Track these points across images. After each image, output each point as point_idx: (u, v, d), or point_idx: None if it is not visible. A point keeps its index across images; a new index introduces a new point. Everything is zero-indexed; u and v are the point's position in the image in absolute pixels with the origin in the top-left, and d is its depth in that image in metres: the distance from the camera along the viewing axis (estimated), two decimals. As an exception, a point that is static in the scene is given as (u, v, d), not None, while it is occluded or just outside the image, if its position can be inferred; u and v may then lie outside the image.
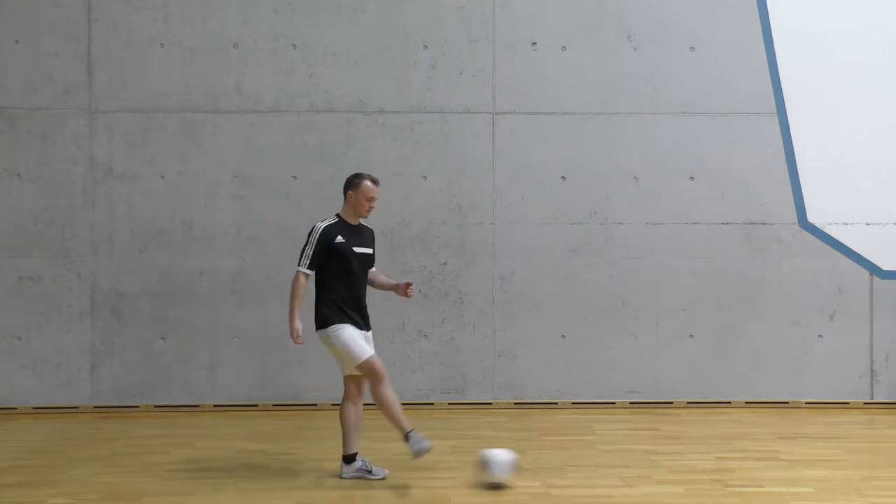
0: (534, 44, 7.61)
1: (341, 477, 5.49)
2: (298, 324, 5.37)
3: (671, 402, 7.59)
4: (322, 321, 5.43)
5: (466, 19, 7.57)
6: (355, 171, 5.65)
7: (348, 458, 5.52)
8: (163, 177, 7.48)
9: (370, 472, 5.50)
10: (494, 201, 7.59)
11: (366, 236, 5.66)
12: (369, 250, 5.64)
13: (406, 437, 5.32)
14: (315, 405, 7.51)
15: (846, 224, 7.63)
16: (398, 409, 5.38)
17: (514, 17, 7.58)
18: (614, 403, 7.58)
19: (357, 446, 5.54)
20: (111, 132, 7.46)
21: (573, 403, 7.58)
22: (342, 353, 5.39)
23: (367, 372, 5.41)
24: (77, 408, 7.41)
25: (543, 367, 7.59)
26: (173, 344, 7.47)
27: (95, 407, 7.43)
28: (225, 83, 7.50)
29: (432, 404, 7.53)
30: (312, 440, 6.52)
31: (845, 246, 7.62)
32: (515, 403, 7.54)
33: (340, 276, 5.43)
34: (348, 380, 5.56)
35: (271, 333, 7.50)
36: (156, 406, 7.46)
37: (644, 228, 7.62)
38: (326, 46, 7.54)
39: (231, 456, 6.06)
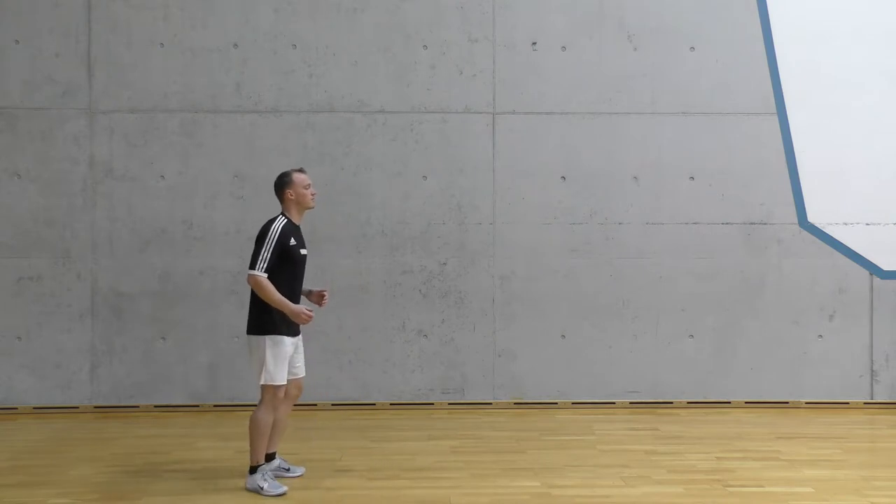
0: (534, 44, 7.61)
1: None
2: (295, 305, 5.20)
3: (671, 402, 7.60)
4: (259, 327, 5.28)
5: (466, 19, 7.57)
6: (292, 171, 5.43)
7: (268, 457, 5.47)
8: (163, 177, 7.48)
9: (288, 469, 5.54)
10: (494, 201, 7.59)
11: (302, 236, 5.48)
12: (307, 251, 5.49)
13: (253, 469, 5.29)
14: (315, 405, 7.51)
15: (846, 224, 7.63)
16: (266, 438, 5.33)
17: (514, 17, 7.58)
18: (614, 403, 7.58)
19: (277, 446, 5.57)
20: (111, 132, 7.46)
21: (573, 403, 7.58)
22: (264, 366, 5.23)
23: (270, 395, 5.27)
24: (77, 408, 7.41)
25: (543, 367, 7.59)
26: (173, 344, 7.47)
27: (95, 407, 7.43)
28: (225, 83, 7.51)
29: (432, 404, 7.53)
30: (312, 440, 6.52)
31: (845, 246, 7.62)
32: (515, 403, 7.54)
33: (285, 281, 5.27)
34: (288, 382, 5.42)
35: (271, 333, 7.49)
36: (156, 406, 7.46)
37: (644, 228, 7.62)
38: (326, 46, 7.54)
39: (231, 456, 6.06)
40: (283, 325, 5.28)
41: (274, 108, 7.53)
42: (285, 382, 5.32)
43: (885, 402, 7.62)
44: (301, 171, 5.45)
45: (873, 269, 7.63)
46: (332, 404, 7.53)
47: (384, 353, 7.54)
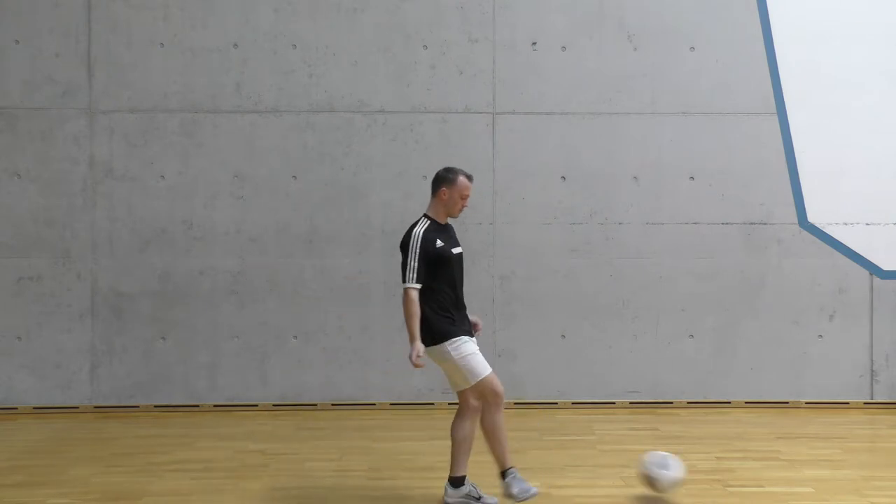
0: (534, 44, 7.61)
1: (446, 502, 5.00)
2: (421, 345, 4.84)
3: (671, 402, 7.59)
4: (434, 335, 4.90)
5: (466, 19, 7.57)
6: (460, 173, 5.11)
7: (456, 481, 5.00)
8: (163, 177, 7.48)
9: (479, 499, 4.98)
10: (494, 201, 7.59)
11: (455, 235, 5.17)
12: (461, 249, 5.16)
13: (503, 474, 4.92)
14: (315, 405, 7.51)
15: (846, 224, 7.63)
16: (505, 441, 4.93)
17: (514, 17, 7.58)
18: (614, 403, 7.58)
19: (466, 468, 5.02)
20: (111, 132, 7.46)
21: (573, 403, 7.57)
22: (461, 368, 4.88)
23: (487, 392, 4.88)
24: (77, 408, 7.41)
25: (543, 367, 7.58)
26: (173, 344, 7.47)
27: (95, 407, 7.43)
28: (225, 83, 7.50)
29: (432, 404, 7.53)
30: (312, 440, 6.52)
31: (845, 246, 7.62)
32: (515, 403, 7.53)
33: (444, 283, 4.96)
34: (469, 392, 4.97)
35: (271, 333, 7.50)
36: (156, 406, 7.46)
37: (644, 228, 7.61)
38: (326, 46, 7.54)
39: (231, 456, 6.06)
40: (458, 326, 4.96)
41: (274, 108, 7.53)
42: (490, 371, 4.92)
43: (885, 402, 7.61)
44: (469, 177, 5.11)
45: (873, 269, 7.63)
46: (332, 404, 7.53)
47: (384, 353, 7.53)
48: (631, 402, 7.58)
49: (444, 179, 5.09)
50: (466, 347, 4.93)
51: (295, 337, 7.48)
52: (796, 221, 7.64)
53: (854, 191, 7.59)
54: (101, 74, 7.45)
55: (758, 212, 7.63)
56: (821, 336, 7.63)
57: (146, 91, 7.47)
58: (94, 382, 7.45)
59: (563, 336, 7.59)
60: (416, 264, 4.88)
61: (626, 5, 7.60)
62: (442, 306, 4.95)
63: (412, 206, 7.53)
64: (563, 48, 7.61)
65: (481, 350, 4.87)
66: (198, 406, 7.48)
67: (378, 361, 7.51)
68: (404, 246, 4.97)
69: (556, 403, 7.57)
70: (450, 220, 5.21)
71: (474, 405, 4.96)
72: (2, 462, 5.92)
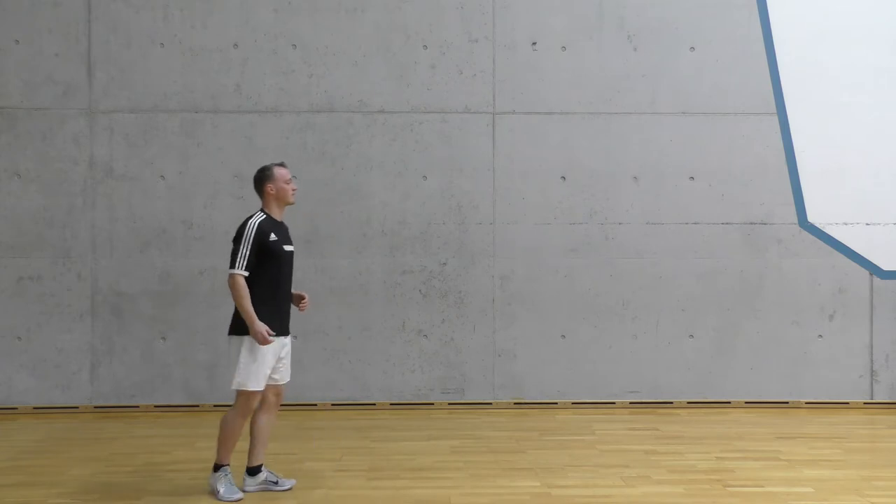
0: (534, 44, 7.61)
1: (244, 490, 5.22)
2: (259, 323, 4.92)
3: (671, 402, 7.60)
4: (239, 327, 5.00)
5: (466, 19, 7.57)
6: (273, 165, 5.23)
7: (253, 470, 5.28)
8: (163, 177, 7.49)
9: (276, 482, 5.28)
10: (494, 201, 7.59)
11: (288, 234, 5.29)
12: (293, 248, 5.28)
13: (216, 467, 5.12)
14: (315, 405, 7.51)
15: (846, 224, 7.63)
16: (233, 443, 5.12)
17: (514, 17, 7.58)
18: (614, 403, 7.58)
19: (263, 458, 5.33)
20: (111, 132, 7.46)
21: (573, 403, 7.58)
22: (243, 369, 4.98)
23: (243, 401, 5.03)
24: (77, 408, 7.41)
25: (543, 367, 7.59)
26: (173, 344, 7.47)
27: (95, 407, 7.43)
28: (225, 83, 7.51)
29: (432, 404, 7.53)
30: (312, 440, 6.52)
31: (845, 246, 7.62)
32: (515, 403, 7.54)
33: (269, 278, 5.05)
34: (266, 388, 5.16)
35: (271, 333, 7.49)
36: (156, 406, 7.47)
37: (644, 228, 7.62)
38: (326, 46, 7.55)
39: (231, 456, 6.05)
40: (267, 324, 4.99)
41: (274, 108, 7.53)
42: (260, 389, 5.04)
43: (885, 402, 7.62)
44: (282, 165, 5.26)
45: (873, 269, 7.63)
46: (332, 404, 7.54)
47: (384, 353, 7.54)
48: (631, 402, 7.58)
49: (264, 178, 5.22)
50: (261, 355, 5.00)
51: (295, 337, 7.46)
52: (796, 221, 7.65)
53: (854, 191, 7.60)
54: (101, 74, 7.46)
55: (758, 212, 7.64)
56: (821, 336, 7.63)
57: (146, 91, 7.47)
58: (94, 382, 7.45)
59: (563, 336, 7.59)
60: (246, 252, 4.99)
61: (626, 5, 7.60)
62: (259, 299, 4.99)
63: (412, 206, 7.55)
64: (563, 48, 7.61)
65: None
66: (198, 406, 7.48)
67: (377, 361, 7.52)
68: (238, 237, 5.05)
69: (556, 403, 7.57)
70: (285, 220, 5.32)
71: (272, 400, 5.23)
72: (2, 462, 5.92)
